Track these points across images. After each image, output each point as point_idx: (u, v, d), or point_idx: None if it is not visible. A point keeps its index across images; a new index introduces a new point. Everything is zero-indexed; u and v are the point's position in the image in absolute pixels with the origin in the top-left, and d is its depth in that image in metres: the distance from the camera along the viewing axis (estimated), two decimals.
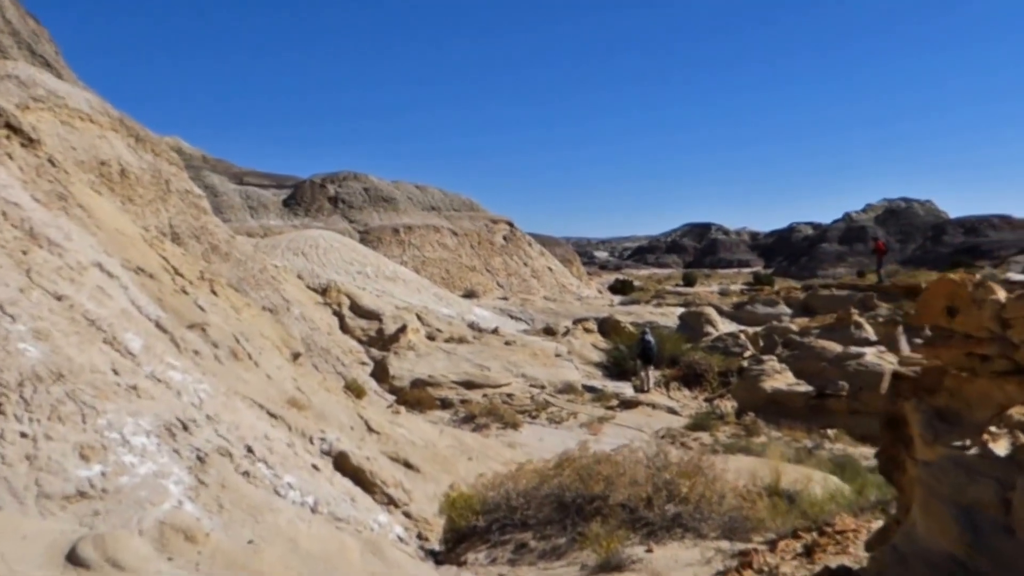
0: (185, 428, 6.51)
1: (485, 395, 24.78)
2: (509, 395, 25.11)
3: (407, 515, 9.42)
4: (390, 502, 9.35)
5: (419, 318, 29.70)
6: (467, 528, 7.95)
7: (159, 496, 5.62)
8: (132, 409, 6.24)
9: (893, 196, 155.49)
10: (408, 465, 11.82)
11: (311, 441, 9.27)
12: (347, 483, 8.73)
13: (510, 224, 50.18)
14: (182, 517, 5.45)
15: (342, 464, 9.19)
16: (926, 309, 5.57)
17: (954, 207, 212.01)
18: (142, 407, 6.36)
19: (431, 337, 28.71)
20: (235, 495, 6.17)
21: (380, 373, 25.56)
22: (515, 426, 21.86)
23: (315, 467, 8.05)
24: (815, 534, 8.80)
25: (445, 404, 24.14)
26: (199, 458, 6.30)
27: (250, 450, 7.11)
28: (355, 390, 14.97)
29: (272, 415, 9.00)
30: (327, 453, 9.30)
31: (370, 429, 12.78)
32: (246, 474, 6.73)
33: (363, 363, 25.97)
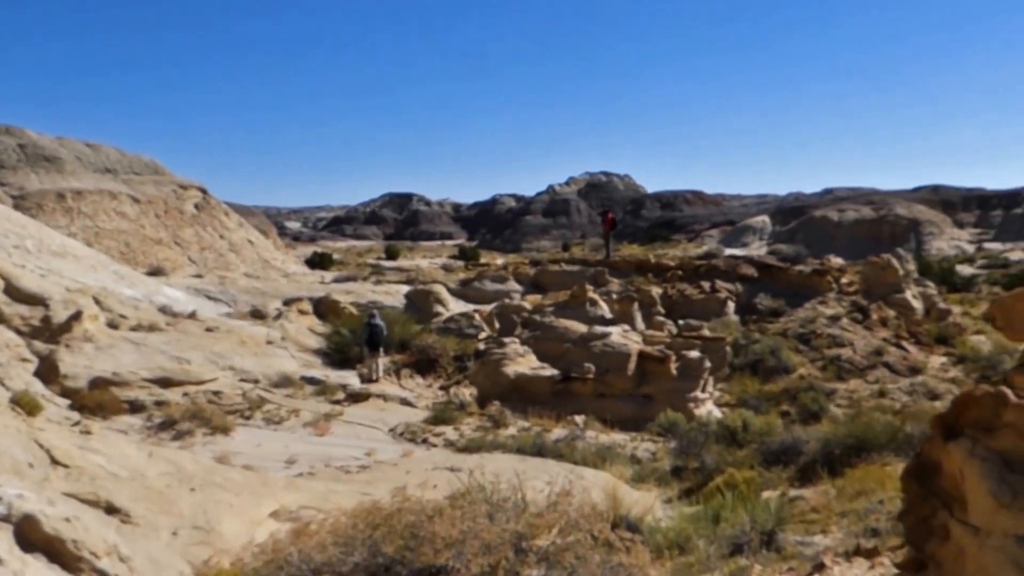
0: None
1: (186, 394, 21.82)
2: (216, 392, 22.31)
3: None
4: None
5: (97, 302, 25.90)
6: None
7: None
8: None
9: (595, 170, 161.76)
10: (113, 510, 9.28)
11: None
12: (43, 565, 6.23)
13: (203, 191, 46.14)
14: None
15: (29, 534, 6.67)
16: (1016, 322, 3.93)
17: (651, 182, 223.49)
18: None
19: (113, 325, 25.11)
20: None
21: (48, 372, 21.68)
22: (226, 430, 19.37)
23: None
24: None
25: (135, 407, 20.87)
26: None
27: None
28: (26, 405, 11.94)
29: None
30: (5, 519, 6.69)
31: (55, 461, 10.00)
32: None
33: (24, 360, 21.93)
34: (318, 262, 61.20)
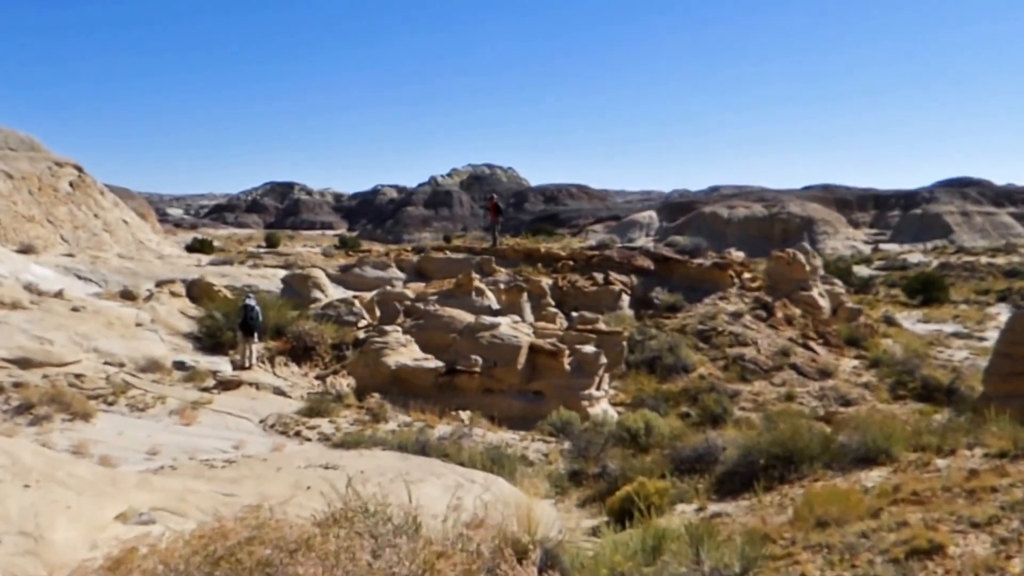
0: None
1: (46, 376, 19.91)
2: (78, 376, 20.44)
3: None
4: None
5: None
6: None
7: None
8: None
9: (477, 162, 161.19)
10: None
11: None
12: None
13: (78, 168, 43.20)
14: None
15: None
16: None
17: (534, 175, 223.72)
18: None
19: None
20: None
21: None
22: (86, 416, 17.62)
23: None
24: None
25: None
26: None
27: None
28: None
29: None
30: None
31: None
32: None
33: None
34: (198, 248, 58.87)
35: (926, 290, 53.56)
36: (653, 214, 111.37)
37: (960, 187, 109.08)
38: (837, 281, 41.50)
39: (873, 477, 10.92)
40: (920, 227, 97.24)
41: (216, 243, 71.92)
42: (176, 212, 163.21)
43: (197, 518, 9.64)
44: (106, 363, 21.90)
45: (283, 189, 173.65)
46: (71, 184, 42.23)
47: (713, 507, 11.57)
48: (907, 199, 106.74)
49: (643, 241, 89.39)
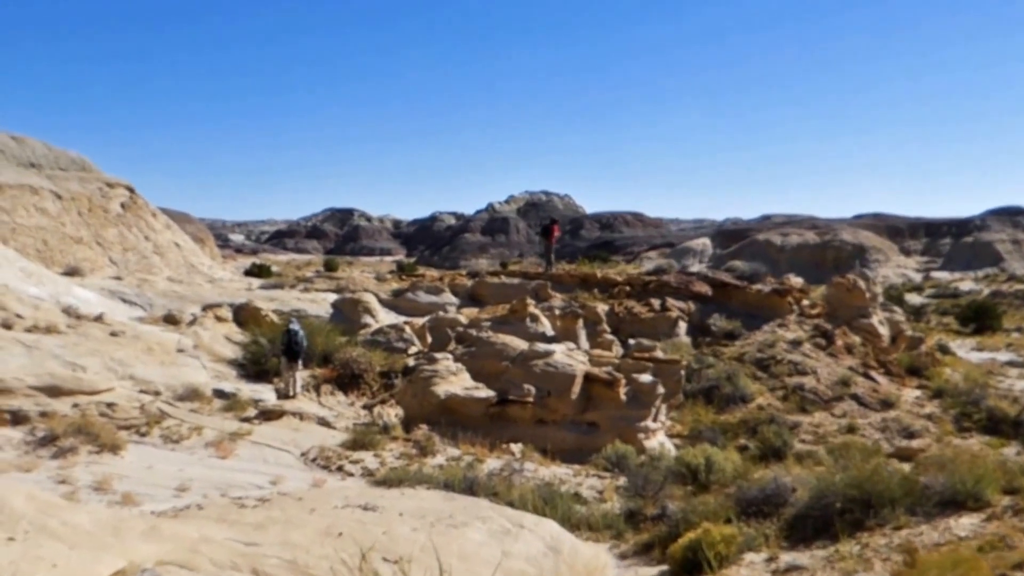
0: None
1: (76, 405, 18.68)
2: (110, 404, 19.16)
3: None
4: None
5: None
6: None
7: None
8: None
9: (535, 189, 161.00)
10: None
11: None
12: None
13: (130, 189, 42.57)
14: None
15: None
16: None
17: (590, 203, 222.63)
18: None
19: (7, 325, 21.92)
20: None
21: None
22: (115, 448, 16.40)
23: None
24: None
25: (18, 418, 17.70)
26: None
27: None
28: None
29: None
30: None
31: None
32: None
33: None
34: (256, 273, 58.58)
35: (979, 318, 51.28)
36: (707, 241, 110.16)
37: (1011, 215, 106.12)
38: (896, 308, 39.68)
39: (964, 525, 9.56)
40: (971, 255, 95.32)
41: (275, 268, 71.73)
42: (237, 238, 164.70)
43: (210, 573, 8.40)
44: (142, 391, 20.74)
45: (343, 215, 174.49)
46: (122, 205, 41.61)
47: (785, 557, 10.11)
48: (958, 227, 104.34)
49: (697, 268, 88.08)
